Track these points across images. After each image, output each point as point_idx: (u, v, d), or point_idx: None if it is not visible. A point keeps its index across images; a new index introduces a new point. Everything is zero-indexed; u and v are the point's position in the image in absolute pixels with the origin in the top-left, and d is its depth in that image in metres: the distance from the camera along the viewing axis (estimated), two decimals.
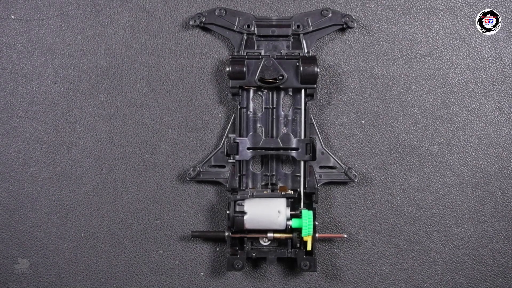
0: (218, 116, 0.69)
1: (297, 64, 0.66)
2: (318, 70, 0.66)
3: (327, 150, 0.68)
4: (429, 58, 0.69)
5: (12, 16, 0.69)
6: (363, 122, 0.69)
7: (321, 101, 0.69)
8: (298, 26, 0.68)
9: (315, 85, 0.66)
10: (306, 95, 0.67)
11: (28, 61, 0.69)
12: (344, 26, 0.68)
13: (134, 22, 0.69)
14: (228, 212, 0.66)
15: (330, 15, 0.68)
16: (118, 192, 0.69)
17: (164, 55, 0.69)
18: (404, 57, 0.69)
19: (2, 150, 0.69)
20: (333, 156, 0.68)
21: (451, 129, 0.69)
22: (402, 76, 0.69)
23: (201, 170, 0.68)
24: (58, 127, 0.69)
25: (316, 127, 0.68)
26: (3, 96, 0.69)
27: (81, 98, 0.69)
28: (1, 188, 0.70)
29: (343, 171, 0.68)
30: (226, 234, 0.66)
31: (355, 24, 0.68)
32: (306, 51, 0.68)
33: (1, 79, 0.69)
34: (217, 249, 0.70)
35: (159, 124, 0.69)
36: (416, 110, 0.69)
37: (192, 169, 0.68)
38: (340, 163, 0.68)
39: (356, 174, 0.68)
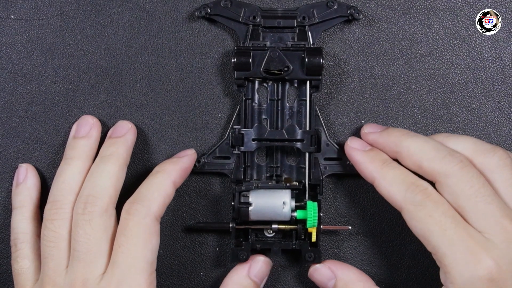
0: (218, 116, 0.69)
1: (303, 55, 0.66)
2: (324, 61, 0.65)
3: (332, 142, 0.68)
4: (429, 58, 0.69)
5: (12, 16, 0.69)
6: (363, 122, 0.69)
7: (321, 101, 0.69)
8: (303, 18, 0.68)
9: (320, 77, 0.66)
10: (311, 87, 0.67)
11: (28, 61, 0.69)
12: (350, 17, 0.67)
13: (134, 22, 0.69)
14: (233, 203, 0.66)
15: (335, 7, 0.68)
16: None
17: (164, 55, 0.69)
18: (404, 57, 0.69)
19: (2, 150, 0.69)
20: (337, 147, 0.68)
21: (451, 129, 0.69)
22: (402, 76, 0.69)
23: (206, 161, 0.68)
24: (58, 127, 0.69)
25: (321, 118, 0.68)
26: (3, 96, 0.69)
27: (81, 98, 0.69)
28: (1, 188, 0.70)
29: (348, 162, 0.68)
30: (231, 225, 0.66)
31: (361, 16, 0.68)
32: (311, 42, 0.68)
33: (1, 79, 0.69)
34: (217, 249, 0.70)
35: (159, 124, 0.69)
36: (416, 110, 0.69)
37: (197, 160, 0.68)
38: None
39: None
